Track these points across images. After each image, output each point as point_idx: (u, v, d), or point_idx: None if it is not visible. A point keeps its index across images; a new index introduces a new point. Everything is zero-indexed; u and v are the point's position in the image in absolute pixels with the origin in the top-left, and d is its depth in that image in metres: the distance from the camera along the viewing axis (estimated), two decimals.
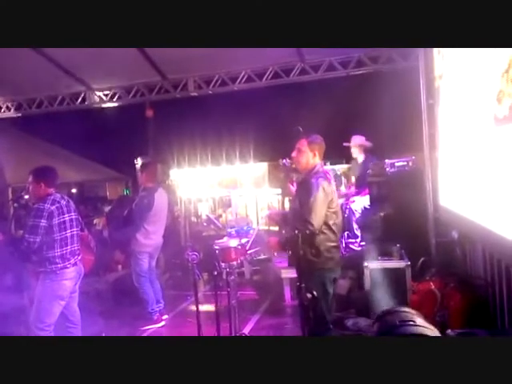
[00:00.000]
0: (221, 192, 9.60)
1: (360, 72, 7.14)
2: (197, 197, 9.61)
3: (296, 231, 3.25)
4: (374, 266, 5.09)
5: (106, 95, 8.41)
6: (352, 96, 8.72)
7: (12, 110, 8.92)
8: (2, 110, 8.98)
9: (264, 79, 7.52)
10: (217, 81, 7.77)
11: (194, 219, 9.32)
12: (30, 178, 4.15)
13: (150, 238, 5.65)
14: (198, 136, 10.44)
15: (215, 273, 4.14)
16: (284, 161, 4.27)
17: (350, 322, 4.63)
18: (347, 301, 5.15)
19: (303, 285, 2.85)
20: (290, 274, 5.73)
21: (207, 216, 8.04)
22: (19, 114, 9.01)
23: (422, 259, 5.22)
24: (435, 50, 5.19)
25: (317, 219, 3.48)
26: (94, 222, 8.99)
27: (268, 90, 8.03)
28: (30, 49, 6.27)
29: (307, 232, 3.44)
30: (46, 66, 7.07)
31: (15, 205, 5.06)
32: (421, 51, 5.91)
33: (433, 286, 4.51)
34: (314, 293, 2.75)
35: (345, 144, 7.21)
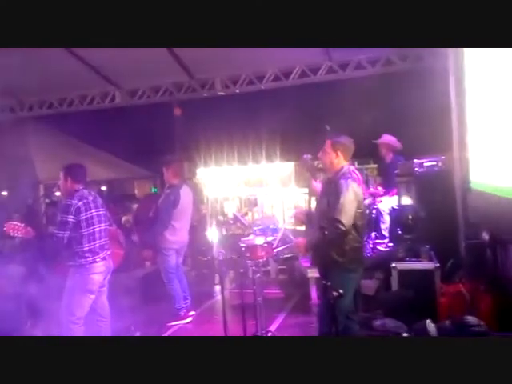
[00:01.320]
0: (247, 191, 9.62)
1: (389, 71, 7.06)
2: (223, 196, 9.65)
3: (324, 231, 3.24)
4: (402, 267, 5.02)
5: (135, 94, 8.52)
6: (381, 94, 8.59)
7: (44, 109, 9.14)
8: (35, 109, 9.20)
9: (291, 78, 7.50)
10: (244, 80, 7.79)
11: (220, 218, 9.35)
12: (60, 174, 4.27)
13: (177, 234, 5.71)
14: (224, 135, 10.46)
15: (241, 270, 4.17)
16: (305, 156, 4.23)
17: (377, 323, 4.58)
18: (374, 301, 5.10)
19: (329, 283, 2.83)
20: (316, 273, 5.69)
21: (234, 214, 8.05)
22: (51, 113, 9.24)
23: (451, 261, 5.12)
24: None
25: (347, 218, 3.49)
26: (122, 220, 9.08)
27: (296, 88, 8.00)
28: (61, 49, 6.40)
29: (337, 231, 3.45)
30: (77, 66, 7.22)
31: (47, 200, 5.16)
32: (450, 49, 5.79)
33: (462, 288, 4.44)
34: (341, 291, 2.72)
35: (374, 141, 7.11)
